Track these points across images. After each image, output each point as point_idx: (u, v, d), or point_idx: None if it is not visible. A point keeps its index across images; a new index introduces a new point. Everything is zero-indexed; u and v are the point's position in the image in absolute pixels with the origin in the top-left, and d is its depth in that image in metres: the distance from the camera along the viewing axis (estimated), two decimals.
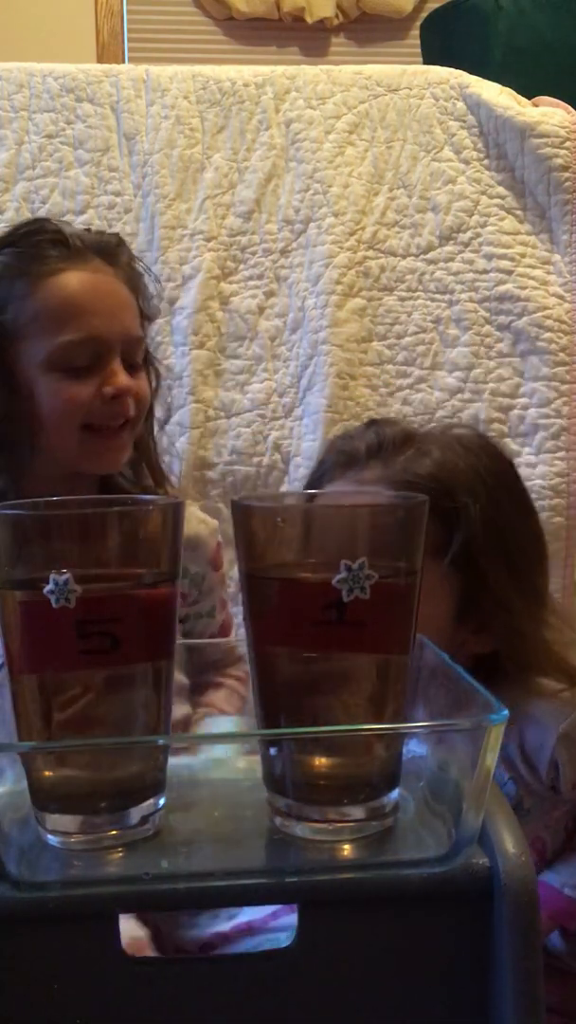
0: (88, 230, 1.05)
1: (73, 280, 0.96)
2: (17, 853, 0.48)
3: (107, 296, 0.98)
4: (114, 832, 0.49)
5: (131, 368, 0.99)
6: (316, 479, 0.96)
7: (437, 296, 1.31)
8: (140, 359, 1.01)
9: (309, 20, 2.85)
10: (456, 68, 1.40)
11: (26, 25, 2.69)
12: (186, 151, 1.31)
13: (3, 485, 0.99)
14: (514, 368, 1.30)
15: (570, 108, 1.36)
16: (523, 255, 1.31)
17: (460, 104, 1.35)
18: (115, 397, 0.95)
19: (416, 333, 1.30)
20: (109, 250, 1.01)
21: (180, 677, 1.01)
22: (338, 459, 0.92)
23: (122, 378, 0.96)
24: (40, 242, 0.99)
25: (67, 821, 0.49)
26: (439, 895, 0.47)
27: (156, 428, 1.10)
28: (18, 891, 0.46)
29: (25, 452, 0.99)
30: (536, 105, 1.37)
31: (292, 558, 0.50)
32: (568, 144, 1.32)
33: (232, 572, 1.15)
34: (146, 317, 1.05)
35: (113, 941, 0.46)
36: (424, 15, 2.48)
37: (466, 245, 1.32)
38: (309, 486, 1.00)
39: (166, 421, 1.18)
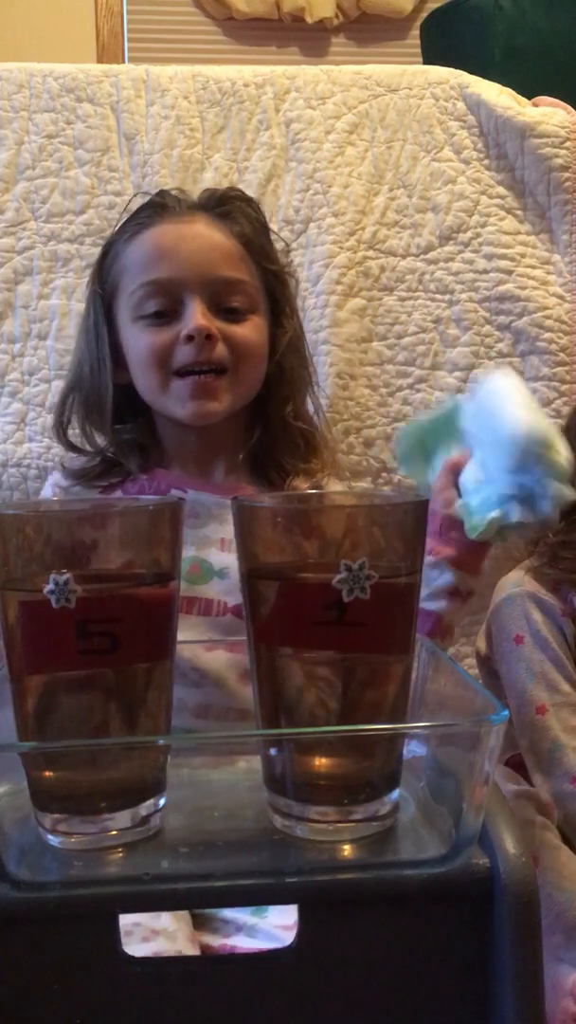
0: (209, 190, 1.04)
1: (158, 231, 0.96)
2: (17, 853, 0.48)
3: (190, 240, 0.95)
4: (114, 832, 0.49)
5: (228, 313, 0.94)
6: None
7: (437, 296, 1.31)
8: (242, 305, 0.95)
9: (309, 20, 2.85)
10: (456, 68, 1.39)
11: (26, 25, 2.69)
12: (186, 151, 1.31)
13: (138, 456, 0.98)
14: (514, 368, 1.29)
15: (570, 108, 1.36)
16: (523, 255, 1.31)
17: (460, 104, 1.35)
18: (192, 338, 0.91)
19: (416, 333, 1.30)
20: (212, 203, 1.00)
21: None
22: None
23: (198, 318, 0.91)
24: (142, 207, 1.01)
25: (67, 821, 0.49)
26: (439, 895, 0.47)
27: (300, 402, 1.03)
28: (18, 891, 0.46)
29: (149, 420, 0.99)
30: (536, 105, 1.36)
31: (292, 558, 0.50)
32: (568, 144, 1.32)
33: None
34: (267, 270, 1.00)
35: (113, 941, 0.46)
36: (424, 15, 2.49)
37: (466, 245, 1.32)
38: None
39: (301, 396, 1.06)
